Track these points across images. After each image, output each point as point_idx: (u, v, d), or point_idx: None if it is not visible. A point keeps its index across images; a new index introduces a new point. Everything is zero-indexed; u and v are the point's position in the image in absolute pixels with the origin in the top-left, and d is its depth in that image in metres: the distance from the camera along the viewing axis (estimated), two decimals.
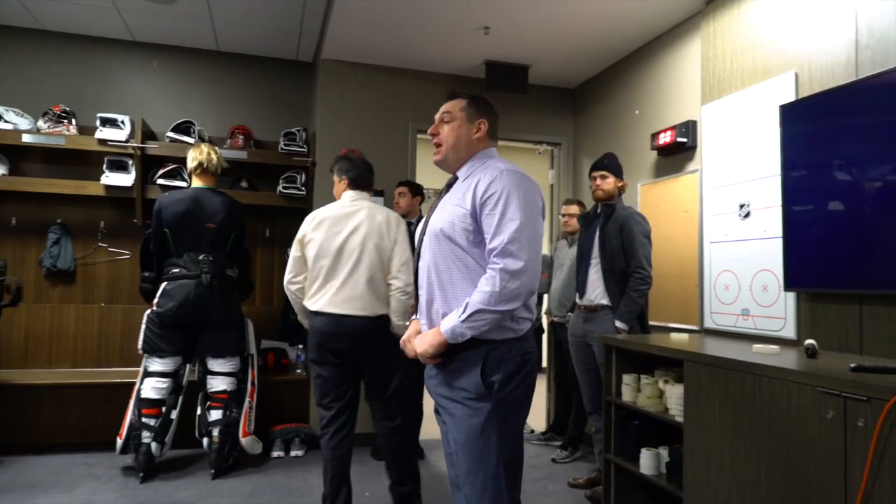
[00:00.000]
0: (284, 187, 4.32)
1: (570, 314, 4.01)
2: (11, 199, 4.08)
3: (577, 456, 3.97)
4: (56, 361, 4.09)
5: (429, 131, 1.89)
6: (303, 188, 4.34)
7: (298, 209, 4.44)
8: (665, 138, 3.47)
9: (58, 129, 3.99)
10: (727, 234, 3.05)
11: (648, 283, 3.12)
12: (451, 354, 1.68)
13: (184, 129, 4.21)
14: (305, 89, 4.68)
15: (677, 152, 3.48)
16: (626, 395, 2.89)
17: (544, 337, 4.68)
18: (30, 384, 3.66)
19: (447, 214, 1.73)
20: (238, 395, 3.53)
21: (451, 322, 1.63)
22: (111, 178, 4.01)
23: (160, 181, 4.11)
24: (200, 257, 3.36)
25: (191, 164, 3.49)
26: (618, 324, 3.14)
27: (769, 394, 2.00)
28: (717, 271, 3.11)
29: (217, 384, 3.48)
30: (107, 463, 3.55)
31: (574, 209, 4.10)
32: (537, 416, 4.75)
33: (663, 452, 2.68)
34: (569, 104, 4.70)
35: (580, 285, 3.39)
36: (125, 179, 4.03)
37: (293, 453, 3.84)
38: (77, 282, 4.23)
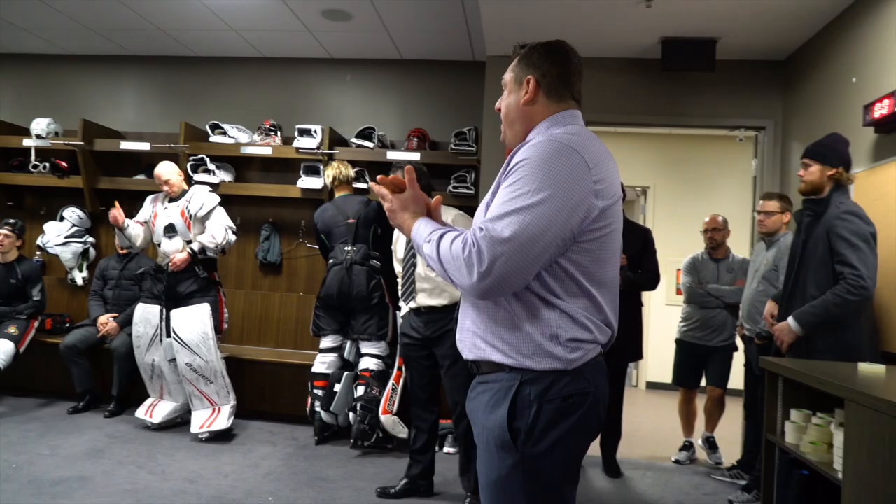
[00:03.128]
0: (454, 186, 4.40)
1: (762, 328, 3.38)
2: (236, 202, 4.81)
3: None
4: (262, 340, 4.75)
5: (495, 107, 1.53)
6: (472, 187, 4.37)
7: (468, 207, 4.47)
8: (881, 109, 2.69)
9: (267, 141, 4.64)
10: None
11: (859, 293, 2.39)
12: (483, 374, 1.38)
13: (366, 134, 4.55)
14: (478, 89, 4.70)
15: None
16: (790, 436, 2.30)
17: (737, 355, 3.98)
18: (241, 358, 4.31)
19: (482, 208, 1.37)
20: (382, 376, 3.80)
21: (421, 235, 1.31)
22: (305, 182, 4.53)
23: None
24: (346, 248, 3.82)
25: (328, 180, 4.04)
26: (790, 321, 2.54)
27: None
28: None
29: (363, 363, 3.81)
30: (286, 433, 4.01)
31: (772, 205, 3.42)
32: (731, 448, 4.07)
33: None
34: (775, 80, 3.93)
35: (788, 296, 2.77)
36: (316, 182, 4.50)
37: (446, 450, 3.88)
38: (283, 273, 4.87)
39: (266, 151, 4.60)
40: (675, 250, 5.76)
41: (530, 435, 1.26)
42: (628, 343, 3.61)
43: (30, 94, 5.23)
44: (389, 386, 3.78)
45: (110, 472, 3.19)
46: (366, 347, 3.83)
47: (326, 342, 3.92)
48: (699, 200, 6.10)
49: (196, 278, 3.81)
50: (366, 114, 4.84)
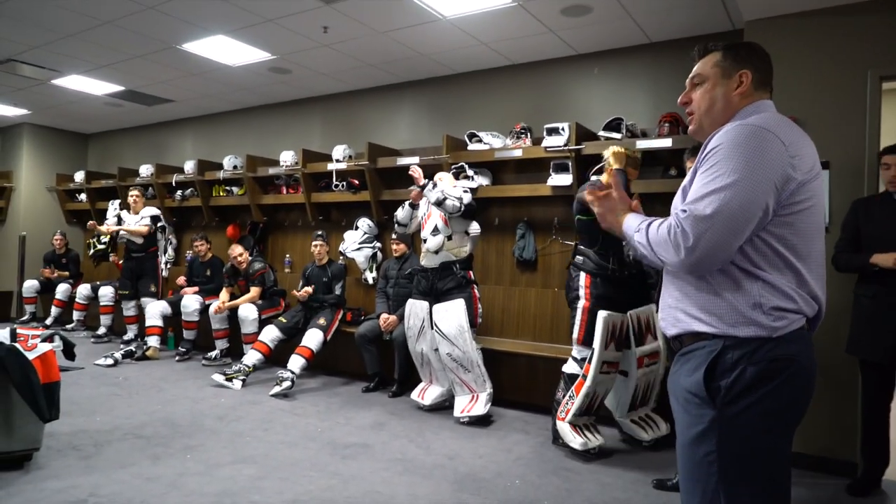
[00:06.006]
0: None
1: None
2: (495, 204, 5.15)
3: None
4: (520, 334, 4.95)
5: (679, 101, 1.61)
6: None
7: None
8: None
9: (518, 144, 4.84)
10: None
11: None
12: (686, 346, 1.44)
13: (613, 126, 4.43)
14: None
15: None
16: None
17: None
18: (500, 350, 4.60)
19: (679, 193, 1.46)
20: (569, 381, 3.56)
21: (632, 227, 1.46)
22: (555, 180, 4.61)
23: (593, 178, 4.45)
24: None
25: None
26: None
27: None
28: None
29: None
30: (540, 423, 4.11)
31: None
32: None
33: None
34: None
35: None
36: (565, 179, 4.55)
37: None
38: (538, 269, 5.01)
39: (517, 154, 4.80)
40: None
41: (730, 392, 1.31)
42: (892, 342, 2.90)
43: (331, 127, 6.35)
44: (568, 393, 3.52)
45: (387, 442, 3.68)
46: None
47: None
48: None
49: (454, 276, 4.16)
50: (614, 105, 4.72)
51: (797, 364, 1.32)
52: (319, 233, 5.43)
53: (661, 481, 3.07)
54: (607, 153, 3.63)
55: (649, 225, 1.41)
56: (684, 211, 1.32)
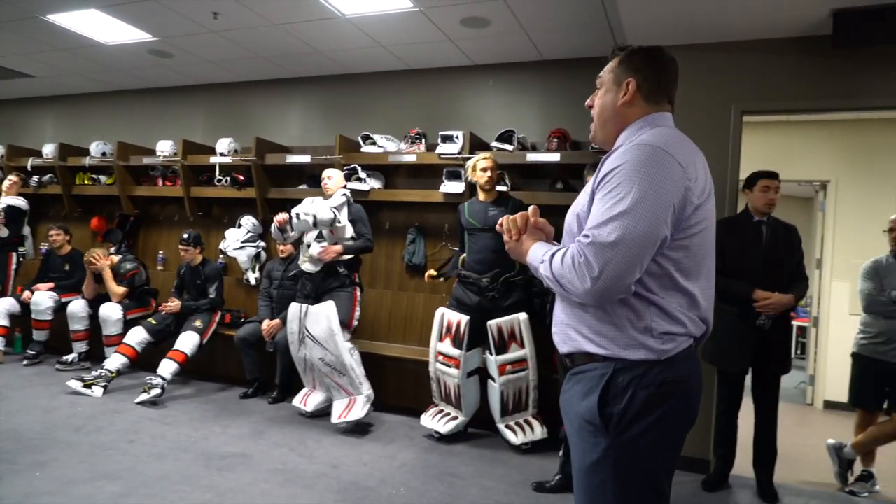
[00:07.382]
0: None
1: None
2: (386, 208, 5.11)
3: None
4: (407, 339, 4.93)
5: (586, 103, 1.58)
6: None
7: None
8: None
9: (412, 149, 4.85)
10: None
11: None
12: (577, 366, 1.42)
13: (506, 137, 4.56)
14: None
15: None
16: None
17: None
18: (386, 355, 4.56)
19: (575, 205, 1.46)
20: None
21: (536, 259, 1.40)
22: (447, 187, 4.65)
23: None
24: None
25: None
26: None
27: None
28: None
29: None
30: (426, 430, 4.10)
31: None
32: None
33: None
34: None
35: None
36: (457, 187, 4.60)
37: None
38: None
39: (411, 159, 4.80)
40: (861, 253, 5.04)
41: (622, 419, 1.30)
42: (777, 354, 3.23)
43: (216, 118, 6.00)
44: None
45: (267, 451, 3.52)
46: None
47: None
48: (890, 195, 5.32)
49: (337, 276, 4.07)
50: (507, 117, 4.86)
51: (686, 385, 1.34)
52: (185, 236, 4.99)
53: (541, 484, 3.19)
54: (470, 163, 4.02)
55: (552, 256, 1.34)
56: (587, 236, 1.26)
